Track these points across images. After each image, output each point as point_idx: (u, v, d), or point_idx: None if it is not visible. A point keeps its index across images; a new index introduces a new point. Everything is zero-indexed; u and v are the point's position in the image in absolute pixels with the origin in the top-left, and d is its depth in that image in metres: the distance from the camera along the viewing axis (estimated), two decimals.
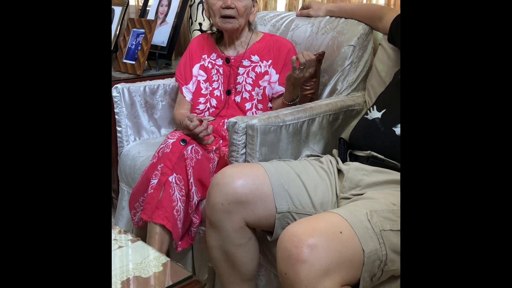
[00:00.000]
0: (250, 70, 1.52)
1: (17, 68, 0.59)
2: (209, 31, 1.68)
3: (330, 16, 1.67)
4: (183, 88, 1.58)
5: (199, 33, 2.22)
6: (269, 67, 1.51)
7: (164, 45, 2.11)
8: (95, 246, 0.60)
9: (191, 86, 1.58)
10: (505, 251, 0.56)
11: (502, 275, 0.56)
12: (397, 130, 1.09)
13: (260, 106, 1.52)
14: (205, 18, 2.18)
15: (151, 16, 2.23)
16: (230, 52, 1.56)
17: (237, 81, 1.53)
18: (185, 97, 1.58)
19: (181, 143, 1.32)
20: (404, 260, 0.60)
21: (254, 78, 1.51)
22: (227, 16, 1.45)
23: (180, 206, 1.29)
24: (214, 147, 1.42)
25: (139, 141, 1.70)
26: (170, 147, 1.32)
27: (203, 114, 1.56)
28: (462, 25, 0.60)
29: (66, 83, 0.61)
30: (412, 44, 0.63)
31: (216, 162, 1.40)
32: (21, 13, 0.60)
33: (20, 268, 0.57)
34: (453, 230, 0.58)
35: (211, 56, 1.57)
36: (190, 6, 2.23)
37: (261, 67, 1.51)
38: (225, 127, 1.45)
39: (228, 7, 1.43)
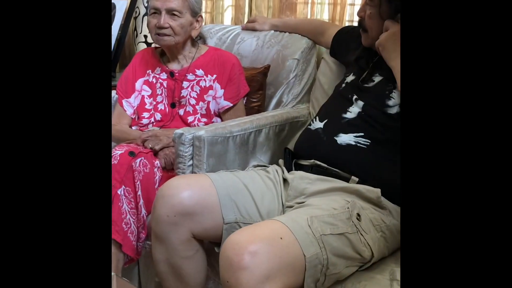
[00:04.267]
0: (195, 84, 1.52)
1: (18, 69, 0.59)
2: (154, 45, 1.67)
3: (275, 31, 1.71)
4: (123, 101, 1.56)
5: (145, 45, 2.20)
6: (213, 82, 1.51)
7: None
8: (95, 244, 0.60)
9: (133, 100, 1.56)
10: (505, 247, 0.56)
11: (503, 274, 0.56)
12: (339, 139, 1.13)
13: (203, 119, 1.51)
14: None
15: None
16: (174, 66, 1.55)
17: (182, 95, 1.52)
18: (125, 110, 1.56)
19: (129, 155, 1.30)
20: (404, 258, 0.61)
21: (198, 92, 1.51)
22: (162, 34, 1.44)
23: (129, 218, 1.26)
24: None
25: None
26: (118, 158, 1.29)
27: (146, 127, 1.54)
28: (462, 24, 0.61)
29: (65, 82, 0.61)
30: (412, 46, 0.64)
31: (159, 177, 1.37)
32: (21, 13, 0.59)
33: (19, 267, 0.56)
34: (453, 227, 0.59)
35: (156, 71, 1.56)
36: (135, 18, 2.21)
37: (205, 81, 1.52)
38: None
39: (161, 27, 1.43)
